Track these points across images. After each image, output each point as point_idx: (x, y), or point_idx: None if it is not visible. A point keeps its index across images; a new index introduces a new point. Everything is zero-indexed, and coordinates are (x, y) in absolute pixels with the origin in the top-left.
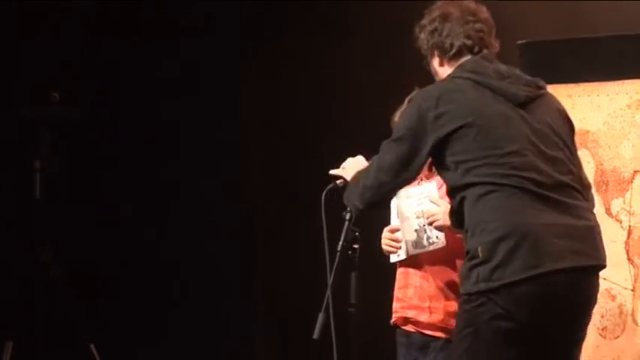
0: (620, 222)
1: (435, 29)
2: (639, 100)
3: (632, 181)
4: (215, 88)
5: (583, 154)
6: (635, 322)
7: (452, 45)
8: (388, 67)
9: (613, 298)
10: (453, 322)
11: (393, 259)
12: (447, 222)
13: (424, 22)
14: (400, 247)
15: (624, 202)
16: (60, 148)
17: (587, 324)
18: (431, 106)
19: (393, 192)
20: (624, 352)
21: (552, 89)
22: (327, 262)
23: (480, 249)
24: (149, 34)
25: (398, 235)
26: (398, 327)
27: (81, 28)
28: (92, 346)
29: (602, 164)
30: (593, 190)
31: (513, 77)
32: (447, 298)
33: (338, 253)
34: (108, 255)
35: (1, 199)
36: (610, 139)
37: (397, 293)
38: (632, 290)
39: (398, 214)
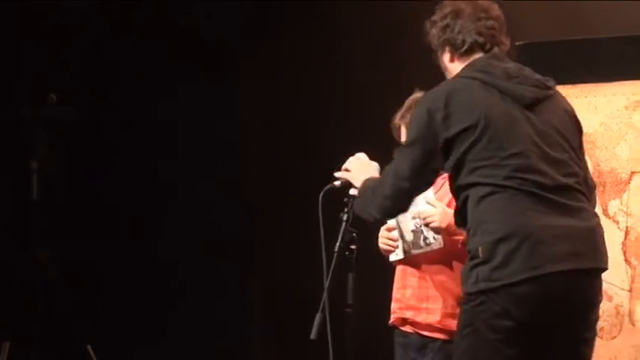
0: (617, 223)
1: (447, 25)
2: (636, 102)
3: (629, 182)
4: (215, 88)
5: None
6: (631, 322)
7: (463, 41)
8: (388, 68)
9: (610, 298)
10: (450, 323)
11: (392, 257)
12: (443, 224)
13: (435, 17)
14: (397, 246)
15: (621, 203)
16: (58, 148)
17: (594, 323)
18: (439, 107)
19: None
20: (621, 353)
21: None
22: (324, 263)
23: (480, 249)
24: (149, 34)
25: (394, 233)
26: (396, 327)
27: (80, 27)
28: (89, 347)
29: (599, 165)
30: None
31: (522, 77)
32: (444, 299)
33: (335, 254)
34: (105, 255)
35: None
36: (607, 141)
37: (395, 294)
38: (629, 291)
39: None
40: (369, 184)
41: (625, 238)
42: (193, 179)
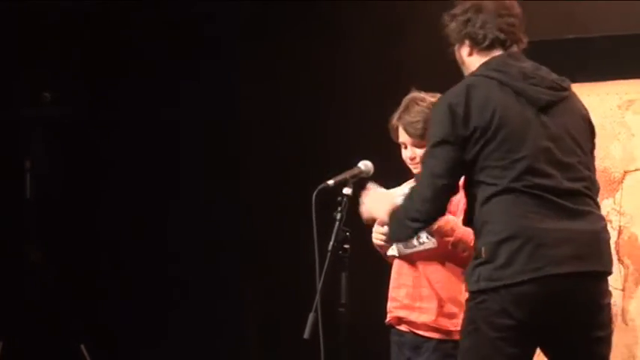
0: (611, 222)
1: (469, 19)
2: (629, 101)
3: (622, 182)
4: (214, 88)
5: None
6: (624, 321)
7: (485, 37)
8: (387, 68)
9: None
10: (446, 323)
11: (389, 252)
12: (435, 225)
13: (456, 11)
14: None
15: (614, 203)
16: (53, 147)
17: (605, 322)
18: (460, 102)
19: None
20: (614, 352)
21: None
22: (317, 262)
23: (483, 249)
24: (149, 34)
25: (387, 228)
26: (392, 327)
27: (75, 26)
28: (83, 347)
29: None
30: None
31: (538, 78)
32: (440, 299)
33: (329, 253)
34: (101, 255)
35: None
36: (600, 140)
37: (391, 293)
38: (622, 290)
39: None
40: (397, 207)
41: (618, 237)
42: (192, 179)
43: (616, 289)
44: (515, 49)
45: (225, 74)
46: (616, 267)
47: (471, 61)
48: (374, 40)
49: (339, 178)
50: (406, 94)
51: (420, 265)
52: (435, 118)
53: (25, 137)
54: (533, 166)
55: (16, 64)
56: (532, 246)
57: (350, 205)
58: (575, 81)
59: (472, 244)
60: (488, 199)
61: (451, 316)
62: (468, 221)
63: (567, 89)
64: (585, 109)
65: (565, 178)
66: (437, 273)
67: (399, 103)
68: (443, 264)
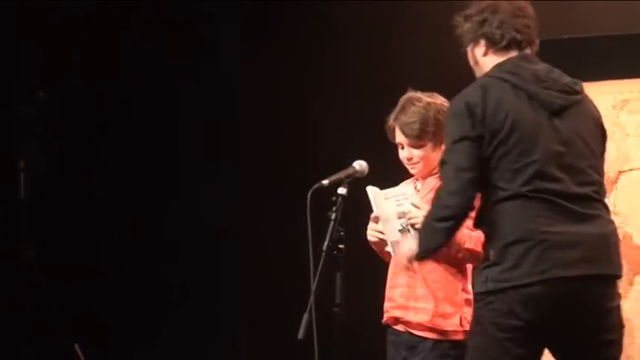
0: None
1: (486, 19)
2: (624, 101)
3: (616, 182)
4: (214, 89)
5: None
6: None
7: (502, 37)
8: (381, 68)
9: None
10: (442, 323)
11: (387, 248)
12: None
13: (471, 11)
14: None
15: (609, 203)
16: (47, 147)
17: (614, 325)
18: (478, 102)
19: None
20: None
21: None
22: (311, 262)
23: (491, 252)
24: (148, 33)
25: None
26: (389, 326)
27: (70, 24)
28: (77, 346)
29: None
30: None
31: (550, 81)
32: (436, 299)
33: (323, 253)
34: (95, 255)
35: None
36: None
37: (387, 293)
38: None
39: (380, 217)
40: (423, 220)
41: None
42: (189, 179)
43: None
44: (528, 50)
45: (223, 74)
46: None
47: (485, 61)
48: (369, 40)
49: (334, 178)
50: (402, 93)
51: (417, 266)
52: (452, 116)
53: (19, 137)
54: (544, 171)
55: (9, 63)
56: (540, 249)
57: (345, 205)
58: None
59: (466, 246)
60: (498, 202)
61: (447, 316)
62: (479, 220)
63: (580, 92)
64: (598, 112)
65: (574, 182)
66: (433, 273)
67: (394, 103)
68: (439, 264)
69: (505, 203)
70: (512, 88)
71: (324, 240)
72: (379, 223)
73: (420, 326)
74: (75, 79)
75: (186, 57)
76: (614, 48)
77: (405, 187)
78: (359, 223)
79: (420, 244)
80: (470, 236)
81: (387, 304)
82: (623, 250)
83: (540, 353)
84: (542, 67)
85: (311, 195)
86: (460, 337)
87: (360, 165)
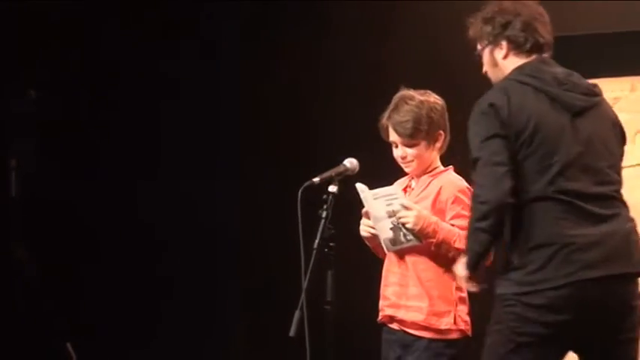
0: None
1: (509, 22)
2: (614, 99)
3: None
4: (213, 90)
5: None
6: None
7: (526, 40)
8: (374, 66)
9: None
10: (436, 322)
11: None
12: (417, 226)
13: (491, 14)
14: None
15: None
16: (39, 146)
17: (635, 323)
18: (503, 104)
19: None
20: None
21: None
22: (302, 260)
23: (516, 255)
24: (148, 33)
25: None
26: (385, 325)
27: (68, 25)
28: (69, 345)
29: None
30: None
31: (570, 84)
32: (431, 298)
33: (314, 251)
34: (86, 254)
35: None
36: None
37: (382, 291)
38: None
39: (371, 216)
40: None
41: None
42: (181, 179)
43: None
44: (547, 55)
45: (217, 73)
46: None
47: (506, 64)
48: (366, 39)
49: (325, 175)
50: (394, 92)
51: (410, 264)
52: (478, 117)
53: (11, 135)
54: (565, 172)
55: (1, 62)
56: (565, 252)
57: (335, 202)
58: None
59: (456, 245)
60: (522, 205)
61: (442, 314)
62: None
63: (599, 95)
64: (615, 114)
65: (594, 182)
66: (427, 271)
67: (386, 102)
68: (434, 262)
69: (529, 206)
70: (533, 91)
71: (315, 238)
72: (371, 218)
73: (414, 325)
74: (68, 77)
75: (185, 57)
76: (603, 46)
77: (393, 187)
78: (350, 220)
79: (468, 251)
80: (459, 235)
81: (381, 303)
82: None
83: (557, 358)
84: (560, 70)
85: (302, 193)
86: (455, 335)
87: (350, 163)
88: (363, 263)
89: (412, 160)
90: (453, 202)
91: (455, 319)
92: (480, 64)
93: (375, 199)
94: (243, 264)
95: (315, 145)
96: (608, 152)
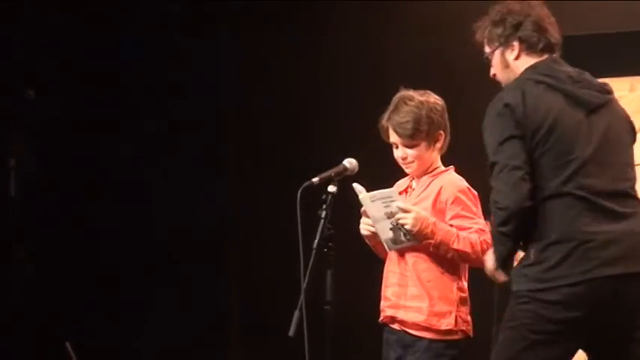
0: None
1: (520, 22)
2: None
3: None
4: (203, 88)
5: None
6: None
7: (539, 40)
8: (372, 66)
9: None
10: (437, 322)
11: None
12: (415, 228)
13: (501, 16)
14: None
15: None
16: (38, 146)
17: None
18: (518, 103)
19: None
20: None
21: None
22: (302, 260)
23: (532, 251)
24: (147, 33)
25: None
26: (386, 325)
27: (62, 21)
28: (68, 345)
29: None
30: None
31: (584, 82)
32: (431, 298)
33: (314, 251)
34: (85, 253)
35: None
36: None
37: (383, 292)
38: None
39: (370, 217)
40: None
41: None
42: (178, 178)
43: None
44: (556, 56)
45: (217, 73)
46: None
47: (517, 64)
48: (361, 39)
49: (324, 175)
50: (394, 92)
51: (411, 264)
52: (494, 118)
53: (10, 135)
54: (583, 168)
55: None
56: (582, 249)
57: (335, 202)
58: None
59: (454, 246)
60: (539, 202)
61: (442, 315)
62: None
63: (611, 93)
64: (626, 112)
65: (611, 179)
66: (428, 272)
67: (386, 102)
68: (434, 263)
69: (546, 203)
70: (549, 89)
71: (314, 238)
72: (370, 219)
73: (415, 326)
74: (67, 77)
75: (186, 57)
76: (603, 47)
77: (390, 190)
78: (349, 220)
79: (495, 252)
80: (458, 236)
81: (382, 303)
82: None
83: (570, 356)
84: (571, 69)
85: (301, 193)
86: (456, 336)
87: (350, 163)
88: (363, 263)
89: (413, 161)
90: (452, 203)
91: (456, 320)
92: (488, 67)
93: (372, 201)
94: (242, 264)
95: (314, 145)
96: (623, 149)
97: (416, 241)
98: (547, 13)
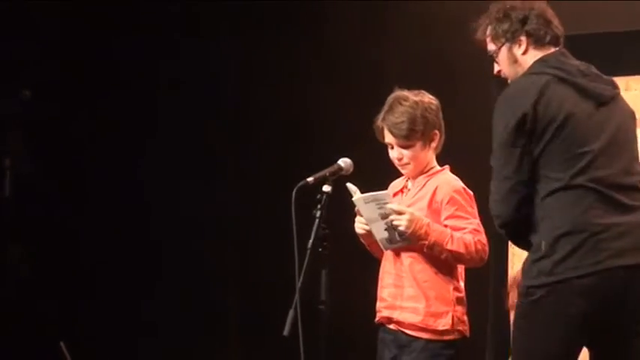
0: None
1: (526, 17)
2: None
3: None
4: (198, 87)
5: None
6: None
7: (546, 33)
8: (369, 66)
9: None
10: (433, 323)
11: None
12: (409, 230)
13: (505, 12)
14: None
15: None
16: (33, 146)
17: None
18: (529, 97)
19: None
20: None
21: None
22: (297, 260)
23: (543, 243)
24: (146, 32)
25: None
26: (383, 325)
27: (61, 25)
28: (62, 344)
29: None
30: None
31: (593, 75)
32: (428, 298)
33: (308, 251)
34: (80, 253)
35: None
36: None
37: (379, 292)
38: None
39: (364, 218)
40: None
41: None
42: (174, 177)
43: None
44: (564, 49)
45: (214, 73)
46: None
47: (526, 59)
48: (357, 39)
49: (319, 175)
50: (389, 91)
51: (407, 265)
52: (500, 116)
53: (4, 135)
54: (595, 161)
55: None
56: (593, 240)
57: (329, 202)
58: None
59: (448, 247)
60: (550, 194)
61: (439, 315)
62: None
63: (618, 87)
64: (630, 108)
65: (622, 172)
66: (423, 273)
67: (381, 101)
68: (430, 263)
69: (556, 195)
70: (560, 82)
71: (309, 238)
72: (365, 220)
73: (412, 326)
74: (62, 77)
75: (183, 56)
76: (598, 46)
77: (383, 192)
78: (344, 220)
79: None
80: (452, 237)
81: (378, 304)
82: None
83: (580, 349)
84: (579, 62)
85: (296, 192)
86: (452, 337)
87: (345, 162)
88: (357, 263)
89: (408, 163)
90: (447, 203)
91: (452, 320)
92: (491, 65)
93: (366, 203)
94: (237, 263)
95: (309, 145)
96: (630, 143)
97: (407, 240)
98: (547, 7)
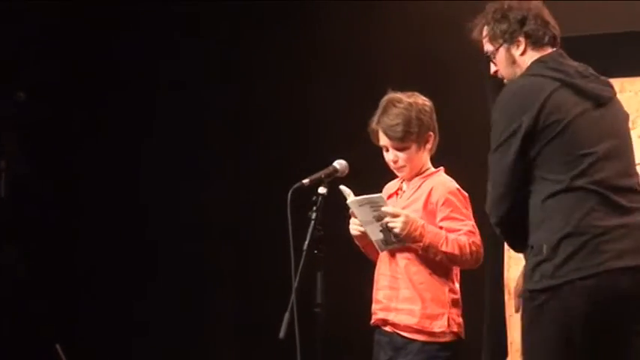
0: None
1: (525, 17)
2: None
3: None
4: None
5: None
6: None
7: (545, 34)
8: (364, 67)
9: None
10: (429, 325)
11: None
12: (404, 232)
13: (502, 12)
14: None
15: None
16: (28, 147)
17: None
18: (529, 98)
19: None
20: None
21: None
22: (292, 262)
23: (545, 246)
24: (145, 32)
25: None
26: (378, 327)
27: (58, 26)
28: (58, 346)
29: None
30: None
31: (592, 77)
32: (424, 300)
33: (304, 253)
34: (75, 254)
35: None
36: None
37: (374, 295)
38: None
39: (359, 220)
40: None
41: None
42: (170, 178)
43: None
44: (561, 50)
45: (211, 73)
46: None
47: (524, 59)
48: (352, 39)
49: (314, 177)
50: (384, 93)
51: (402, 267)
52: (501, 116)
53: (0, 136)
54: (596, 164)
55: None
56: (594, 242)
57: (325, 204)
58: None
59: (442, 249)
60: (550, 196)
61: (435, 317)
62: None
63: (614, 89)
64: (625, 110)
65: (621, 174)
66: (420, 274)
67: (376, 103)
68: (426, 265)
69: (557, 197)
70: (559, 83)
71: (305, 239)
72: (360, 222)
73: (408, 328)
74: (58, 79)
75: (180, 56)
76: (593, 47)
77: (377, 195)
78: (340, 222)
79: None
80: (447, 238)
81: (374, 306)
82: None
83: (590, 348)
84: (577, 63)
85: (291, 194)
86: (448, 338)
87: (340, 164)
88: (353, 265)
89: (404, 166)
90: (442, 204)
91: (448, 322)
92: (487, 65)
93: (360, 205)
94: (233, 265)
95: (304, 147)
96: (627, 145)
97: (403, 242)
98: (543, 7)
